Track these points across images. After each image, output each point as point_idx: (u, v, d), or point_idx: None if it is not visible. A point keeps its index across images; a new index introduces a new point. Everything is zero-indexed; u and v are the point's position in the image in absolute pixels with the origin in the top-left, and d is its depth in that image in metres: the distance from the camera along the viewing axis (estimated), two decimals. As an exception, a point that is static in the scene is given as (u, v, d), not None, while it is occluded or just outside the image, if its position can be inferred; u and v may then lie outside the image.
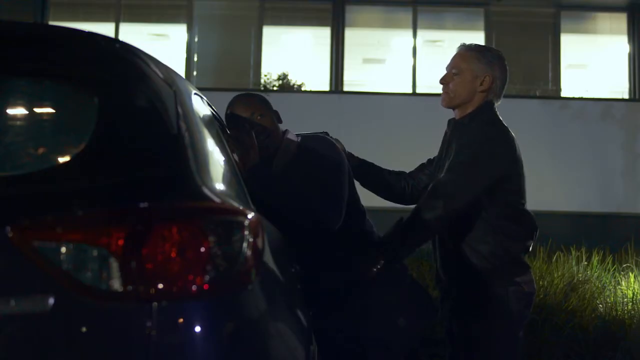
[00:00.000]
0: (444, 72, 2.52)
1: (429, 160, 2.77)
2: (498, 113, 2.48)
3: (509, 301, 2.35)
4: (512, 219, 2.39)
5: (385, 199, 2.84)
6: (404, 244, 2.31)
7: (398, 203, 2.85)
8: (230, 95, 2.47)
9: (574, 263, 5.60)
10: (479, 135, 2.36)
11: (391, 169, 2.82)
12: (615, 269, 5.71)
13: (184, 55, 10.73)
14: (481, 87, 2.43)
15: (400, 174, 2.80)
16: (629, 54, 10.95)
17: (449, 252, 2.46)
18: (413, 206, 2.45)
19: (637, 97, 10.76)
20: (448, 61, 2.54)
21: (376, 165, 2.81)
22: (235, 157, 2.13)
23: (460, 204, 2.29)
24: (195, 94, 1.78)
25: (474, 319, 2.38)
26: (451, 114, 2.58)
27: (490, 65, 2.45)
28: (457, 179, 2.30)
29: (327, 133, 2.56)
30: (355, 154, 2.81)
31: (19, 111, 1.44)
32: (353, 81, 11.12)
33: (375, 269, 2.24)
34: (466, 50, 2.48)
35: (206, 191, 1.32)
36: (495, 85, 2.45)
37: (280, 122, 2.45)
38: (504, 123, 2.45)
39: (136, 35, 10.92)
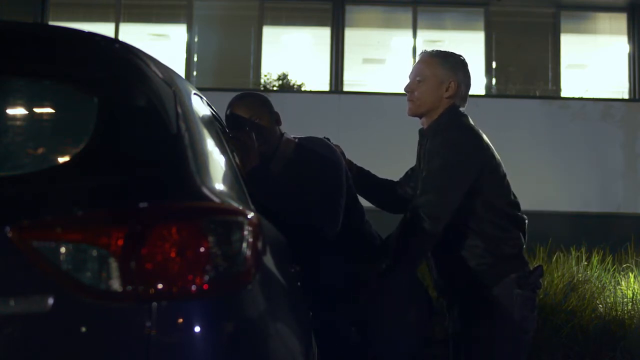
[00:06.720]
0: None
1: (412, 169, 2.69)
2: (469, 117, 2.43)
3: (514, 305, 2.32)
4: (501, 220, 2.35)
5: (381, 208, 2.76)
6: (398, 265, 2.30)
7: (391, 212, 2.76)
8: (230, 95, 2.46)
9: (573, 263, 5.59)
10: (444, 144, 2.30)
11: (386, 178, 2.75)
12: (615, 269, 5.69)
13: (184, 55, 10.73)
14: (447, 93, 2.39)
15: (395, 183, 2.73)
16: (629, 54, 10.95)
17: (442, 260, 2.43)
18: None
19: (637, 97, 10.76)
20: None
21: (372, 174, 2.74)
22: (236, 157, 2.13)
23: (444, 220, 2.25)
24: (195, 94, 1.78)
25: (477, 321, 2.36)
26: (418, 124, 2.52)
27: (453, 70, 2.41)
28: (434, 199, 2.25)
29: (328, 139, 2.51)
30: (355, 154, 2.79)
31: (19, 111, 1.44)
32: (353, 81, 11.11)
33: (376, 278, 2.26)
34: (429, 57, 2.45)
35: (206, 191, 1.31)
36: (460, 90, 2.41)
37: (280, 124, 2.44)
38: (473, 126, 2.39)
39: (136, 35, 10.92)
